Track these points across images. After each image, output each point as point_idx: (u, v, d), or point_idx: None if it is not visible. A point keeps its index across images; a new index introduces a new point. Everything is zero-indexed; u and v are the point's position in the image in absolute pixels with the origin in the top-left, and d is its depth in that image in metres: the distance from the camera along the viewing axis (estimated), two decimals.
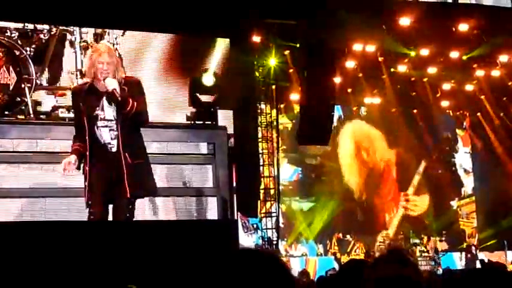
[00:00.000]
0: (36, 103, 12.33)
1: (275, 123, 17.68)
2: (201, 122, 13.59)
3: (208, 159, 13.06)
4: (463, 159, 21.87)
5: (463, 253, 20.69)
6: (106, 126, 7.76)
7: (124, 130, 7.77)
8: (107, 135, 7.76)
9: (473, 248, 20.81)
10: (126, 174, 7.71)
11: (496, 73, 18.97)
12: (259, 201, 16.83)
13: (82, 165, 7.88)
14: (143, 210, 11.14)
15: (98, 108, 7.77)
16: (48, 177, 11.55)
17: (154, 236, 7.11)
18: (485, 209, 21.24)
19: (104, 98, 7.76)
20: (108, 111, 7.78)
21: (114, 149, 7.76)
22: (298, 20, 14.86)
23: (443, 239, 20.81)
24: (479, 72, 19.08)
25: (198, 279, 2.16)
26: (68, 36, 12.85)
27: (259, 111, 17.22)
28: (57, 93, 12.65)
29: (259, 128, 17.15)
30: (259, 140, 17.11)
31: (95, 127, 7.75)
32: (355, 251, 19.51)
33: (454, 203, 21.53)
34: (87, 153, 7.76)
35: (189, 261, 6.67)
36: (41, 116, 12.32)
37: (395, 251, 3.63)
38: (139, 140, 8.04)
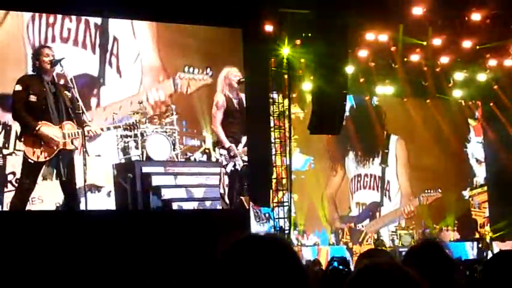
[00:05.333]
0: None
1: (287, 112, 17.66)
2: None
3: None
4: (475, 148, 21.83)
5: (475, 243, 20.61)
6: None
7: None
8: None
9: (488, 237, 20.72)
10: None
11: (508, 62, 18.90)
12: (271, 191, 16.83)
13: None
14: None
15: None
16: None
17: (164, 225, 7.17)
18: (498, 198, 21.15)
19: None
20: None
21: None
22: (310, 9, 14.82)
23: (455, 228, 20.77)
24: (492, 62, 19.02)
25: (205, 268, 2.13)
26: None
27: (271, 100, 17.23)
28: None
29: (271, 118, 17.15)
30: (271, 129, 17.10)
31: None
32: (366, 241, 19.48)
33: (466, 193, 21.51)
34: None
35: (198, 251, 6.72)
36: None
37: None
38: None
